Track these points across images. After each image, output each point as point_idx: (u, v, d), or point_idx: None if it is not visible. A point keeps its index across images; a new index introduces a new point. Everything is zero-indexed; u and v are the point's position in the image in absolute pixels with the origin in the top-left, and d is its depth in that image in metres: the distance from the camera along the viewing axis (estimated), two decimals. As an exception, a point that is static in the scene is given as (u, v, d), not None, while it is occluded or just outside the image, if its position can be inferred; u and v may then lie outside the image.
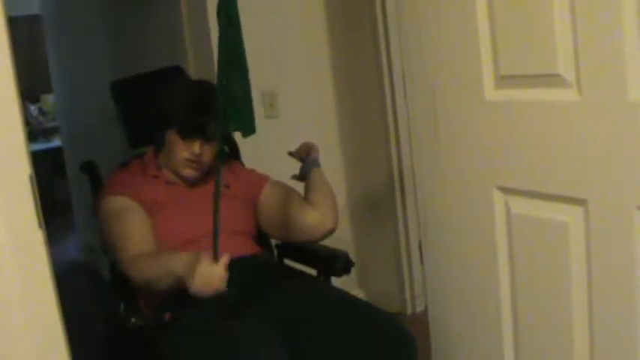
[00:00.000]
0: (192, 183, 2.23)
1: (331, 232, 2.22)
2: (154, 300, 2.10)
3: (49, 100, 6.66)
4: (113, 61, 3.90)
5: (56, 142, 6.06)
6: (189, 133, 2.13)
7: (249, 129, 1.72)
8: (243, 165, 2.54)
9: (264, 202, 2.32)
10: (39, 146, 6.33)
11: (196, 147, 2.14)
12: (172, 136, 2.16)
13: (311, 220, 2.20)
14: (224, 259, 1.77)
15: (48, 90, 5.87)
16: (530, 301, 1.73)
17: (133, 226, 2.09)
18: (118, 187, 2.18)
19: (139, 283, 2.00)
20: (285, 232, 2.30)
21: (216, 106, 1.67)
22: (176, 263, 1.86)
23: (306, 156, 2.31)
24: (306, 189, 2.26)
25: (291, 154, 2.34)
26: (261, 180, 2.37)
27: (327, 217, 2.21)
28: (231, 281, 2.05)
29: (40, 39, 5.41)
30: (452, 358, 2.02)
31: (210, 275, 1.76)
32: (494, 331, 1.83)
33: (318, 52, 3.34)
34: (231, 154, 2.54)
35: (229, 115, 1.66)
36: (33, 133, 6.57)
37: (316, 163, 2.28)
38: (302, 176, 2.29)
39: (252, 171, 2.45)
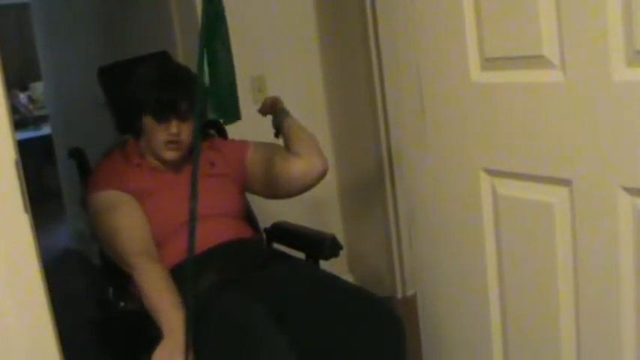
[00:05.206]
0: (177, 167, 2.23)
1: (323, 173, 2.22)
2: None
3: (38, 88, 6.63)
4: (102, 48, 3.88)
5: (46, 130, 6.04)
6: (162, 113, 2.13)
7: (232, 115, 1.72)
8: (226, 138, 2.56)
9: (250, 167, 2.33)
10: (29, 134, 6.31)
11: (173, 127, 2.13)
12: (148, 121, 2.17)
13: (298, 169, 2.21)
14: None
15: (37, 78, 5.85)
16: (516, 281, 1.74)
17: (126, 220, 2.09)
18: (103, 182, 2.17)
19: (134, 282, 1.99)
20: (279, 189, 2.30)
21: (197, 91, 1.67)
22: (166, 321, 1.85)
23: (272, 108, 2.31)
24: (285, 140, 2.27)
25: (260, 111, 2.34)
26: (242, 147, 2.38)
27: (314, 161, 2.21)
28: (224, 265, 2.05)
29: (28, 27, 5.38)
30: (440, 340, 2.03)
31: None
32: (481, 313, 1.84)
33: (306, 36, 3.34)
34: (218, 134, 2.55)
35: (213, 102, 1.67)
36: (23, 121, 6.56)
37: (285, 112, 2.29)
38: (276, 129, 2.30)
39: (232, 141, 2.46)
